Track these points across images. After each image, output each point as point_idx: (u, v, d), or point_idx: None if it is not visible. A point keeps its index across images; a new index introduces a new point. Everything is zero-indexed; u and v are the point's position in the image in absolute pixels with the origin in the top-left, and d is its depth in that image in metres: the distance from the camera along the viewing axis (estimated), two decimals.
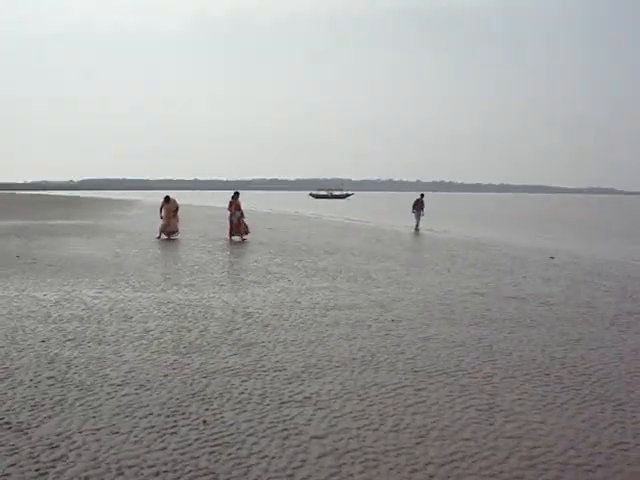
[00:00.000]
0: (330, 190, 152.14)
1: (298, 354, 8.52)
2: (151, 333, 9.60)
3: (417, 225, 34.98)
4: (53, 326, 9.98)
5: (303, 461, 5.28)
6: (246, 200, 26.98)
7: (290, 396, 6.86)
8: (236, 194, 26.43)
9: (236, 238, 25.74)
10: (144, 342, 9.06)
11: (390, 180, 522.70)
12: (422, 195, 35.78)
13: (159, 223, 26.78)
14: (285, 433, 5.85)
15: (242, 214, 25.95)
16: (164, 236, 25.90)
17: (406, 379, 7.51)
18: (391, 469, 5.15)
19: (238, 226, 25.74)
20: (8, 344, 8.88)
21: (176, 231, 26.30)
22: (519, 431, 5.99)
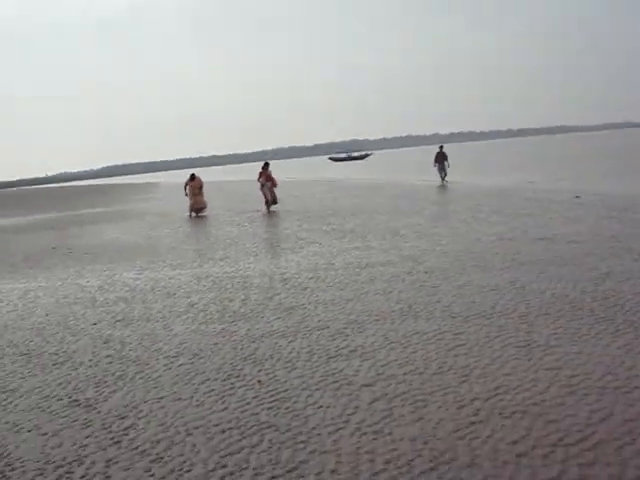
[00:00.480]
0: (348, 152, 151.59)
1: (338, 312, 8.86)
2: (195, 306, 10.00)
3: (444, 178, 34.48)
4: (101, 309, 10.41)
5: (356, 407, 5.63)
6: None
7: (336, 351, 7.21)
8: (266, 164, 26.63)
9: (271, 209, 25.63)
10: (190, 315, 9.46)
11: (408, 136, 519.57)
12: (441, 147, 35.42)
13: (187, 202, 27.15)
14: (336, 384, 6.21)
15: (273, 184, 25.99)
16: (194, 214, 26.31)
17: (445, 325, 7.83)
18: (440, 407, 5.49)
19: (271, 196, 25.80)
20: (62, 329, 9.34)
21: (204, 207, 26.68)
22: (557, 363, 6.29)
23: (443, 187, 32.36)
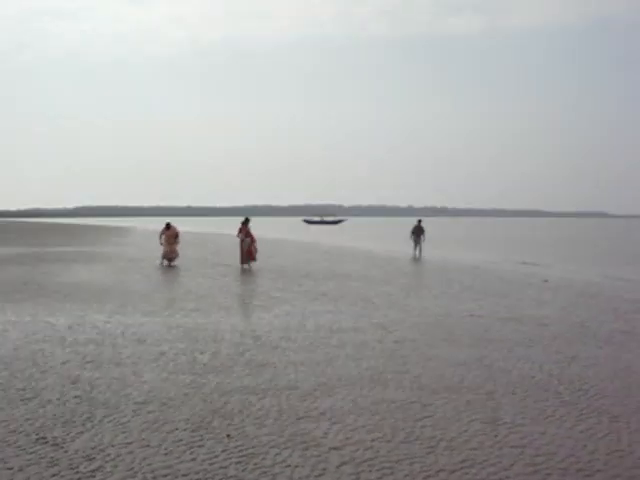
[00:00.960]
0: (322, 216, 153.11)
1: (309, 374, 8.95)
2: (166, 355, 10.01)
3: (418, 251, 34.64)
4: (70, 349, 10.37)
5: (324, 469, 5.70)
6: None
7: (306, 412, 7.28)
8: (246, 220, 26.34)
9: (246, 266, 25.39)
10: (160, 363, 9.47)
11: (382, 206, 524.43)
12: (420, 221, 35.89)
13: (159, 250, 27.16)
14: (305, 445, 6.28)
15: (252, 240, 25.86)
16: (166, 262, 26.30)
17: (413, 395, 7.95)
18: (406, 475, 5.58)
19: (249, 253, 25.56)
20: (30, 366, 9.29)
21: (176, 257, 26.65)
22: (522, 441, 6.43)
23: (417, 260, 32.71)
